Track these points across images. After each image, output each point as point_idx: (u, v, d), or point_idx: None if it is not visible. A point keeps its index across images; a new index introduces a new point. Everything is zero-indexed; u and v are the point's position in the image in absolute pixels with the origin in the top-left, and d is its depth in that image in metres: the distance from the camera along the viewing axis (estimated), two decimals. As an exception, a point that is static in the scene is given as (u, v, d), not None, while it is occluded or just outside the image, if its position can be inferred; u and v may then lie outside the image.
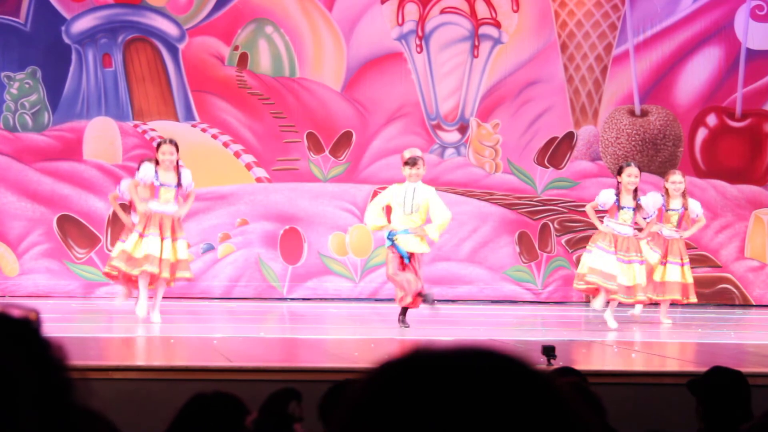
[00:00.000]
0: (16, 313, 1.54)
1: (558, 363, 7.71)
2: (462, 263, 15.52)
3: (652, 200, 12.15)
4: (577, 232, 15.60)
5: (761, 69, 15.99)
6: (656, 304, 12.72)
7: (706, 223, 15.50)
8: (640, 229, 12.16)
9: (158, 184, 11.43)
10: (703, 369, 5.13)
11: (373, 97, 15.50)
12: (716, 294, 15.76)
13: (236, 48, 15.37)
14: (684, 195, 12.57)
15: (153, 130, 15.06)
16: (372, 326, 11.42)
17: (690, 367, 8.46)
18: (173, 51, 15.30)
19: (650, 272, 12.34)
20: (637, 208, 11.94)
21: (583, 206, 15.55)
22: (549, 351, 7.97)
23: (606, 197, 11.95)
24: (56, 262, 14.91)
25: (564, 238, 15.70)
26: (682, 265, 12.52)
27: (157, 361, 8.55)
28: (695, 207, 12.62)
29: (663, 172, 13.95)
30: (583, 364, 8.68)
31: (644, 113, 15.89)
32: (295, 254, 15.35)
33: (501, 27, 15.73)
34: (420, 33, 15.64)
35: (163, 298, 11.66)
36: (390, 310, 12.16)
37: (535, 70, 15.70)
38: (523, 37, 15.75)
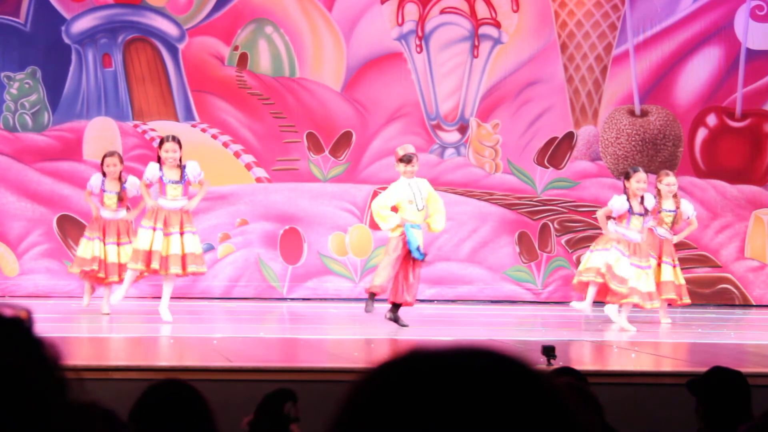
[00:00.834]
0: (7, 312, 1.54)
1: (558, 363, 7.71)
2: (462, 263, 15.51)
3: (685, 205, 12.43)
4: (577, 232, 15.60)
5: (761, 69, 15.98)
6: (670, 304, 12.68)
7: (707, 223, 15.55)
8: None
9: (166, 181, 11.54)
10: (703, 369, 5.13)
11: (372, 97, 15.50)
12: (716, 294, 15.75)
13: (236, 48, 15.37)
14: (676, 196, 12.56)
15: (153, 130, 15.06)
16: (372, 326, 11.41)
17: (690, 367, 8.44)
18: (173, 51, 15.30)
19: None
20: (646, 212, 11.93)
21: (583, 206, 15.61)
22: (549, 351, 7.97)
23: (620, 204, 11.88)
24: (56, 262, 14.90)
25: (564, 238, 15.69)
26: (674, 266, 12.51)
27: (157, 362, 8.56)
28: (687, 209, 12.59)
29: (663, 173, 13.94)
30: (582, 364, 8.69)
31: (644, 113, 15.88)
32: (295, 254, 15.35)
33: (501, 27, 15.72)
34: (420, 33, 15.63)
35: (163, 298, 11.70)
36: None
37: (534, 70, 15.70)
38: (522, 37, 15.75)
